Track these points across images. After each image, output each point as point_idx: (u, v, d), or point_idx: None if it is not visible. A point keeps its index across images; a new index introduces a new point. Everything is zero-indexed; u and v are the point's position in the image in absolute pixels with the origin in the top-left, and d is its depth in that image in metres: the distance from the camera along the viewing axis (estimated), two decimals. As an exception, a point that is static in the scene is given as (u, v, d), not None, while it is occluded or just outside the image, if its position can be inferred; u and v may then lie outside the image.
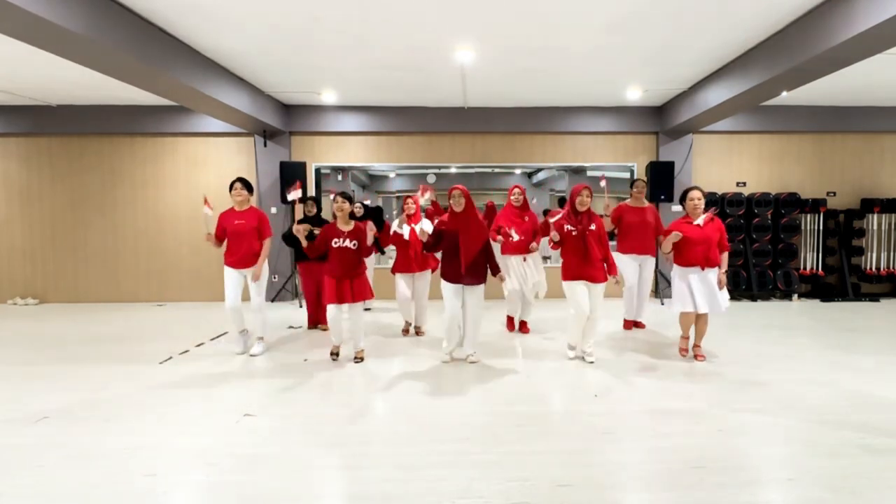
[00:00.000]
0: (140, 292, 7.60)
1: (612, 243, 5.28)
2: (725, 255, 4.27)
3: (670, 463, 2.58)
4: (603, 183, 5.07)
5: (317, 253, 4.20)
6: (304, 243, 4.17)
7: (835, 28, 3.93)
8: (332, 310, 4.20)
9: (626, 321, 5.54)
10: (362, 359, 4.37)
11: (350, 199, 4.27)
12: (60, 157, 7.52)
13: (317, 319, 5.54)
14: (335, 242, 4.14)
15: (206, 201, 4.51)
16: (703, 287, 4.13)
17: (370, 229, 4.17)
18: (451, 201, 4.08)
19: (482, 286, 4.17)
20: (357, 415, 3.25)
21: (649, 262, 5.36)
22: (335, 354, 4.40)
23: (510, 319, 5.44)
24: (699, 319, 4.27)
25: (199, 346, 4.94)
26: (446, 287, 4.12)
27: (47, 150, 7.52)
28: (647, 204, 5.38)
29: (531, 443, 2.83)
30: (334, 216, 4.27)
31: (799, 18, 4.33)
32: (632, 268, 5.31)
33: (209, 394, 3.66)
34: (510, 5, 4.09)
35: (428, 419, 3.17)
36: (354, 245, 4.14)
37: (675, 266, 4.27)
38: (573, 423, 3.10)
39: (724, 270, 4.24)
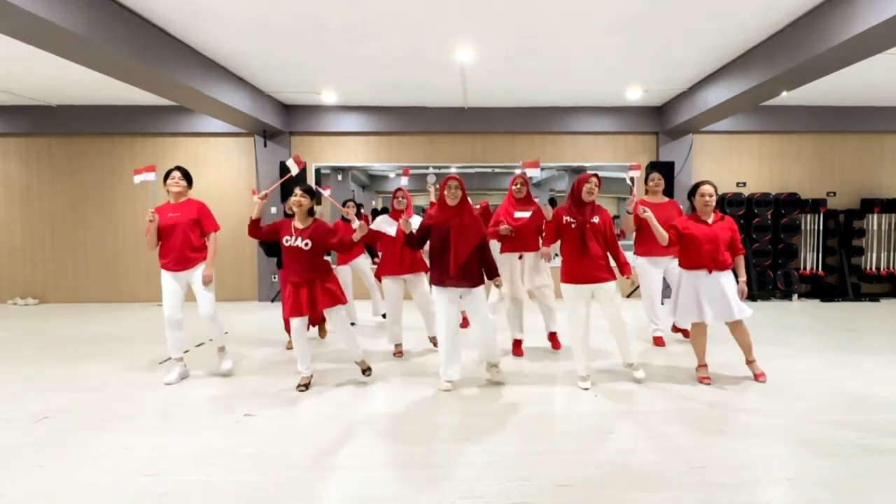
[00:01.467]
0: (140, 292, 7.60)
1: (629, 242, 4.77)
2: (741, 260, 3.73)
3: (670, 463, 2.58)
4: (634, 174, 4.29)
5: (257, 234, 3.63)
6: (256, 213, 3.60)
7: (835, 28, 3.93)
8: (294, 324, 3.58)
9: (655, 338, 4.81)
10: (369, 368, 3.86)
11: (312, 194, 3.61)
12: (60, 157, 7.52)
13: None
14: (286, 241, 3.54)
15: (147, 169, 3.89)
16: (712, 293, 3.62)
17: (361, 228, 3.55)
18: (444, 193, 3.55)
19: (481, 289, 3.61)
20: (356, 415, 3.25)
21: (675, 265, 4.35)
22: (304, 387, 3.67)
23: (517, 343, 4.55)
24: (736, 330, 3.72)
25: (199, 346, 4.93)
26: (438, 294, 3.59)
27: (47, 150, 7.52)
28: (665, 199, 4.75)
29: (531, 443, 2.83)
30: (290, 212, 3.71)
31: (799, 18, 4.33)
32: (653, 274, 4.63)
33: (209, 394, 3.66)
34: (510, 5, 4.09)
35: (427, 419, 3.17)
36: (307, 245, 3.52)
37: (680, 270, 3.79)
38: (573, 423, 3.10)
39: (742, 278, 3.69)
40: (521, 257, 4.34)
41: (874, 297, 7.46)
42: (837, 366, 4.20)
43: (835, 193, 7.79)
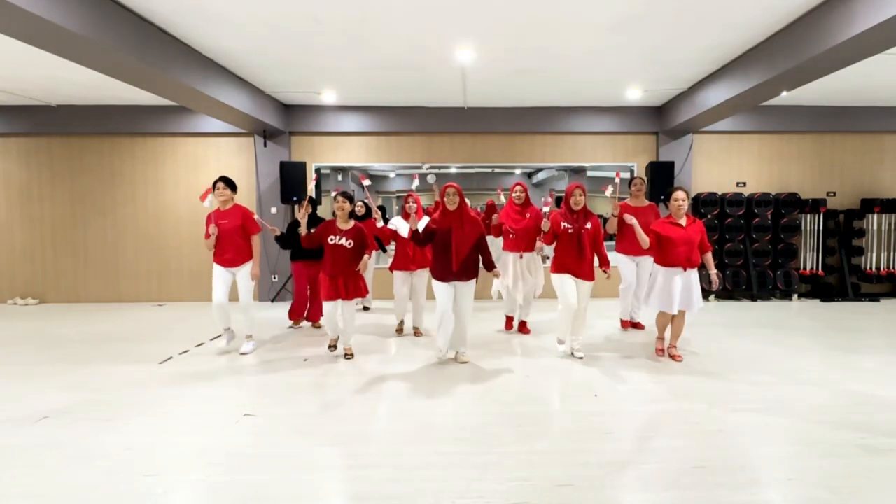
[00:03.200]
0: (140, 292, 7.60)
1: (611, 243, 5.28)
2: (709, 256, 4.31)
3: (670, 463, 2.59)
4: (617, 180, 4.86)
5: (311, 244, 4.24)
6: (304, 230, 4.21)
7: (835, 28, 3.93)
8: (328, 307, 4.29)
9: (622, 321, 5.53)
10: (352, 355, 4.48)
11: (350, 199, 4.34)
12: (60, 157, 7.52)
13: (305, 317, 5.62)
14: (331, 240, 4.21)
15: (208, 192, 4.54)
16: (682, 288, 4.15)
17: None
18: (444, 199, 4.08)
19: (473, 283, 4.20)
20: (356, 415, 3.25)
21: (647, 262, 5.15)
22: (333, 347, 4.53)
23: (509, 319, 5.43)
24: (676, 319, 4.29)
25: (199, 346, 4.94)
26: (437, 285, 4.15)
27: (47, 150, 7.52)
28: (646, 203, 5.34)
29: (531, 443, 2.83)
30: (334, 214, 4.33)
31: (798, 18, 4.33)
32: (629, 268, 5.31)
33: (209, 394, 3.66)
34: (510, 6, 4.09)
35: (427, 419, 3.17)
36: (350, 244, 4.22)
37: (656, 266, 4.29)
38: (573, 423, 3.10)
39: (714, 271, 4.29)
40: (521, 256, 4.97)
41: (874, 297, 7.46)
42: (837, 366, 4.20)
43: (835, 193, 7.79)
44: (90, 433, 2.98)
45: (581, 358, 4.36)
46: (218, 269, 4.49)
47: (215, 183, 4.51)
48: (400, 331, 5.33)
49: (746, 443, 2.82)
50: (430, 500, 2.28)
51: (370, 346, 4.87)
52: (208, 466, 2.59)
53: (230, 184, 4.55)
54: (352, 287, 4.27)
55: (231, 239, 4.45)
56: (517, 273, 4.97)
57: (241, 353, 4.60)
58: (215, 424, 3.11)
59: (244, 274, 4.53)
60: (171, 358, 4.55)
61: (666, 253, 4.18)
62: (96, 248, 7.58)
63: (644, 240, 4.20)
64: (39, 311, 6.97)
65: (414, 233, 4.07)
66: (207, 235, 4.40)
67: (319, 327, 5.60)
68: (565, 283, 4.25)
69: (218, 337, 5.02)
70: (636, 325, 5.53)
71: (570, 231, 4.20)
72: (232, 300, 4.51)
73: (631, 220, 4.22)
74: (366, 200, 6.30)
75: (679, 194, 4.20)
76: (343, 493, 2.35)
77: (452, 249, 4.01)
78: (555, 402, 3.47)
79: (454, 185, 4.09)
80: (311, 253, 5.03)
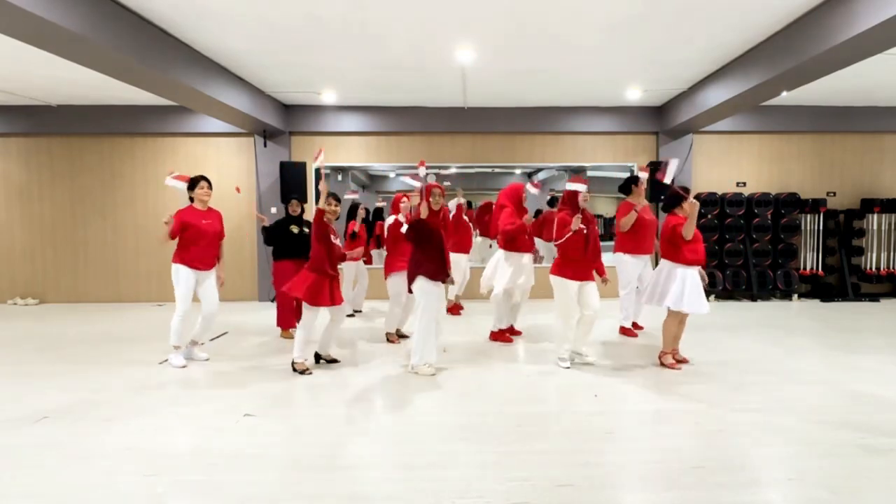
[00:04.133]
0: (140, 292, 7.60)
1: (609, 243, 5.27)
2: None
3: (670, 463, 2.58)
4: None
5: (321, 231, 4.01)
6: (324, 195, 4.01)
7: (835, 28, 3.93)
8: (314, 314, 3.99)
9: (622, 328, 5.24)
10: (334, 360, 4.31)
11: (339, 201, 4.25)
12: (60, 157, 7.52)
13: (290, 324, 5.13)
14: (332, 239, 4.11)
15: (183, 178, 4.24)
16: (695, 286, 3.98)
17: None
18: (430, 200, 4.03)
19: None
20: (356, 415, 3.25)
21: (650, 261, 5.20)
22: (308, 371, 4.03)
23: (500, 332, 5.04)
24: (683, 319, 4.15)
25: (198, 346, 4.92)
26: (427, 286, 3.91)
27: (47, 150, 7.52)
28: (646, 202, 5.19)
29: (531, 443, 2.83)
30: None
31: (799, 19, 4.33)
32: (633, 269, 5.07)
33: (209, 394, 3.66)
34: (510, 6, 4.09)
35: (427, 419, 3.17)
36: (342, 245, 4.22)
37: (673, 265, 3.99)
38: (573, 423, 3.10)
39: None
40: (535, 256, 4.88)
41: (874, 297, 7.46)
42: (837, 366, 4.20)
43: (835, 193, 7.79)
44: (90, 433, 2.98)
45: (591, 363, 4.23)
46: (188, 273, 4.19)
47: (199, 181, 4.28)
48: (395, 341, 4.99)
49: (746, 443, 2.81)
50: (430, 500, 2.27)
51: (369, 347, 4.86)
52: (208, 466, 2.59)
53: (210, 184, 4.38)
54: (337, 291, 4.13)
55: (214, 241, 4.31)
56: (516, 273, 4.77)
57: (206, 360, 4.44)
58: (215, 424, 3.10)
59: (213, 279, 4.36)
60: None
61: (690, 250, 3.98)
62: (96, 248, 7.58)
63: (691, 230, 3.93)
64: (39, 311, 6.97)
65: (406, 232, 4.04)
66: (174, 234, 4.09)
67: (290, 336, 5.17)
68: (570, 292, 4.00)
69: (219, 336, 4.96)
70: (636, 326, 5.37)
71: (584, 231, 3.95)
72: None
73: (695, 204, 3.90)
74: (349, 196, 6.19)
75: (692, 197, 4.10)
76: (343, 493, 2.34)
77: (445, 248, 4.00)
78: (555, 402, 3.47)
79: (439, 185, 4.10)
80: (298, 251, 4.82)
